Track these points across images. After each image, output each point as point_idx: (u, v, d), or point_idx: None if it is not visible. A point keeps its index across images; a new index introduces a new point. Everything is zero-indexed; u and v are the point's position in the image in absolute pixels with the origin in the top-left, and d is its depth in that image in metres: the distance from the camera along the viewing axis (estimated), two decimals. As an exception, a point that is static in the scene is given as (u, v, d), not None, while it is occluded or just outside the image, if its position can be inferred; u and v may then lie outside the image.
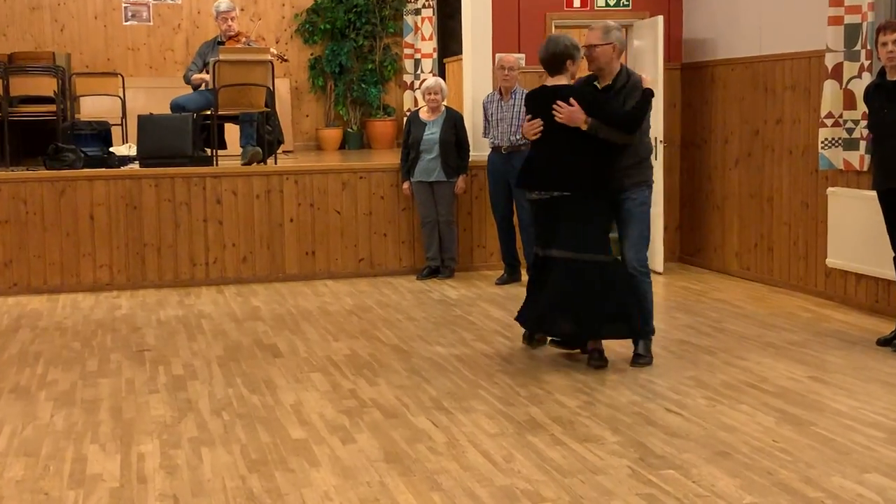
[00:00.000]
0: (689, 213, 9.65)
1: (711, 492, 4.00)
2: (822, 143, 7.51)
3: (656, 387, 5.49)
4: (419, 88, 11.68)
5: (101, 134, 10.16)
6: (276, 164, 9.53)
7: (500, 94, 8.52)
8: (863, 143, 7.23)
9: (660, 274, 9.03)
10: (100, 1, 13.18)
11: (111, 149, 9.93)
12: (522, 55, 9.04)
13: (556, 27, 9.39)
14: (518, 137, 8.25)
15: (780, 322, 7.09)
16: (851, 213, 7.37)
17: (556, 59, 5.82)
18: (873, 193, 6.46)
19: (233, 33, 9.84)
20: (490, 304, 7.86)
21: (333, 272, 9.12)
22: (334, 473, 4.26)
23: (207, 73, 9.48)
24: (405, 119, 9.86)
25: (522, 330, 6.40)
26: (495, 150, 8.58)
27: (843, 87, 7.31)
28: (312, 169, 9.23)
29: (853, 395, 5.30)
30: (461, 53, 9.91)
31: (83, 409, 5.26)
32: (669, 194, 9.48)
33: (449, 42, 13.17)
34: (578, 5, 9.47)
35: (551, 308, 5.88)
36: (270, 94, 9.49)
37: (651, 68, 9.05)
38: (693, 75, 9.52)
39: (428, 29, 13.18)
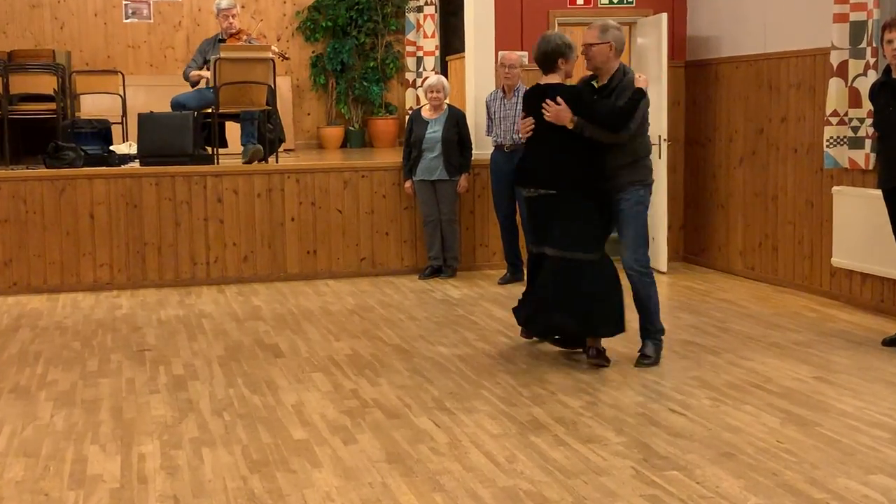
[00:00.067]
0: (693, 213, 9.65)
1: (716, 493, 4.00)
2: (828, 141, 7.51)
3: (660, 387, 5.49)
4: (421, 86, 11.68)
5: (101, 132, 10.18)
6: (277, 162, 9.53)
7: (504, 92, 8.52)
8: (868, 142, 7.23)
9: (664, 273, 9.03)
10: (100, -2, 13.20)
11: (111, 147, 9.94)
12: (525, 53, 9.03)
13: (560, 24, 9.39)
14: (521, 136, 8.24)
15: (785, 322, 7.09)
16: (857, 212, 7.37)
17: (547, 57, 5.88)
18: (879, 192, 6.45)
19: (234, 31, 9.84)
20: (493, 303, 7.85)
21: (335, 271, 9.12)
22: (336, 474, 4.26)
23: (207, 70, 9.48)
24: (407, 117, 9.86)
25: (524, 329, 6.50)
26: (498, 148, 8.59)
27: (849, 84, 7.31)
28: (314, 167, 9.23)
29: (858, 395, 5.30)
30: (464, 51, 9.91)
31: (83, 409, 5.26)
32: (673, 193, 9.47)
33: (451, 39, 13.16)
34: (582, 2, 9.46)
35: (537, 306, 6.01)
36: (272, 93, 9.49)
37: (655, 66, 9.06)
38: (697, 73, 9.52)
39: (430, 26, 13.18)
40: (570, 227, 5.80)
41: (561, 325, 5.96)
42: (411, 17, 13.46)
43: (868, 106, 7.00)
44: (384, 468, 4.32)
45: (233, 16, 9.78)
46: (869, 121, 7.16)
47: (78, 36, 13.13)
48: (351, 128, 13.82)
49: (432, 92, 8.83)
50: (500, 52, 8.84)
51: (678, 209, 9.67)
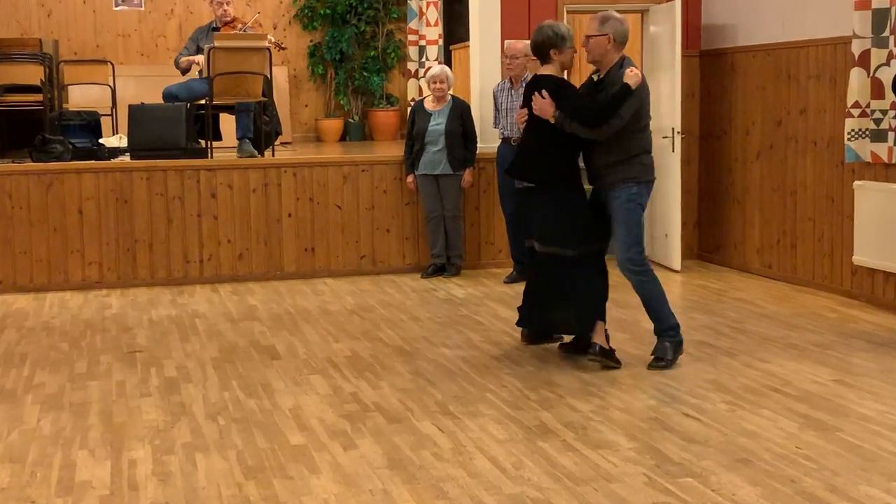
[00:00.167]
0: (708, 208, 9.64)
1: (732, 501, 4.00)
2: (849, 134, 7.50)
3: (673, 390, 5.49)
4: (424, 77, 11.67)
5: (90, 124, 10.17)
6: (273, 156, 9.53)
7: (511, 82, 8.52)
8: (891, 135, 7.22)
9: (677, 272, 9.03)
10: (89, -15, 13.22)
11: (101, 140, 9.95)
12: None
13: (568, 12, 9.39)
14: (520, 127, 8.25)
15: (804, 323, 7.08)
16: (879, 207, 7.36)
17: (539, 48, 6.00)
18: (902, 187, 6.45)
19: (228, 19, 9.84)
20: (498, 303, 7.86)
21: (334, 270, 9.12)
22: (335, 481, 4.26)
23: (198, 61, 9.48)
24: (409, 109, 9.85)
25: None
26: (505, 141, 8.58)
27: (871, 75, 7.30)
28: (312, 161, 9.24)
29: (880, 399, 5.29)
30: (468, 40, 9.90)
31: (72, 413, 5.27)
32: (687, 188, 9.47)
33: (455, 28, 13.16)
34: (591, -11, 9.46)
35: (526, 302, 6.23)
36: (268, 83, 9.49)
37: (668, 55, 9.05)
38: (712, 63, 9.51)
39: (433, 14, 13.16)
40: (549, 222, 5.97)
41: (544, 321, 6.17)
42: (413, 4, 13.45)
43: (891, 97, 6.99)
44: (385, 475, 4.32)
45: (227, 3, 9.79)
46: (892, 113, 7.15)
47: (66, 24, 13.14)
48: (350, 120, 13.82)
49: (435, 83, 8.83)
50: (506, 42, 8.84)
51: (692, 205, 9.67)
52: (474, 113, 9.05)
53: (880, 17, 7.21)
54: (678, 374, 5.80)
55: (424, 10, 13.23)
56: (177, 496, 4.13)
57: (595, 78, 6.02)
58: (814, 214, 8.23)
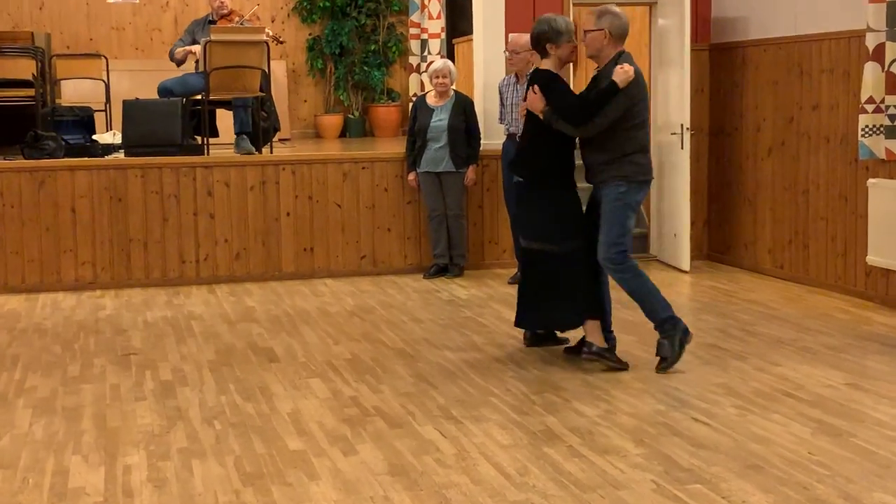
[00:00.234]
0: (718, 207, 9.64)
1: (742, 508, 4.01)
2: (863, 130, 7.49)
3: (682, 394, 5.49)
4: (426, 71, 11.67)
5: (83, 120, 10.19)
6: (271, 153, 9.54)
7: (517, 77, 8.51)
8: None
9: (686, 273, 9.03)
10: (82, -23, 13.23)
11: (94, 136, 9.97)
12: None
13: (574, 4, 9.39)
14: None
15: (817, 325, 7.08)
16: (894, 206, 7.35)
17: (536, 42, 6.08)
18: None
19: (225, 11, 9.85)
20: (502, 304, 7.85)
21: (333, 270, 9.13)
22: (335, 487, 4.27)
23: (194, 51, 9.48)
24: (411, 105, 9.85)
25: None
26: (510, 137, 8.57)
27: (886, 69, 7.29)
28: (311, 158, 9.24)
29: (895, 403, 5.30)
30: (471, 33, 9.90)
31: (64, 417, 5.27)
32: (697, 186, 9.47)
33: (458, 21, 13.16)
34: (598, -19, 9.45)
35: (517, 300, 6.30)
36: (266, 78, 9.50)
37: (676, 49, 9.05)
38: (722, 57, 9.51)
39: (436, 7, 13.17)
40: (535, 217, 6.09)
41: (534, 320, 6.26)
42: (415, -4, 13.47)
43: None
44: (386, 481, 4.32)
45: (224, -5, 9.81)
46: (907, 108, 7.15)
47: (58, 17, 13.15)
48: (350, 116, 13.83)
49: (438, 77, 8.83)
50: (510, 35, 8.84)
51: (702, 203, 9.67)
52: (478, 108, 9.06)
53: (895, 11, 7.20)
54: (687, 378, 5.81)
55: (426, 2, 13.23)
56: (172, 503, 4.14)
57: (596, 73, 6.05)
58: (827, 213, 8.23)
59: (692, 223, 9.28)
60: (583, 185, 6.13)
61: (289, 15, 13.77)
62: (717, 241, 9.68)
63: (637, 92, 5.86)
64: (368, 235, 9.18)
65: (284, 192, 9.00)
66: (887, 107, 7.33)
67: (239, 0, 12.59)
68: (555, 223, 6.03)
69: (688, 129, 9.01)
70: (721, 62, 9.52)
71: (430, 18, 13.24)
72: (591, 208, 6.07)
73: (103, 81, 10.97)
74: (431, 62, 10.83)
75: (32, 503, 4.17)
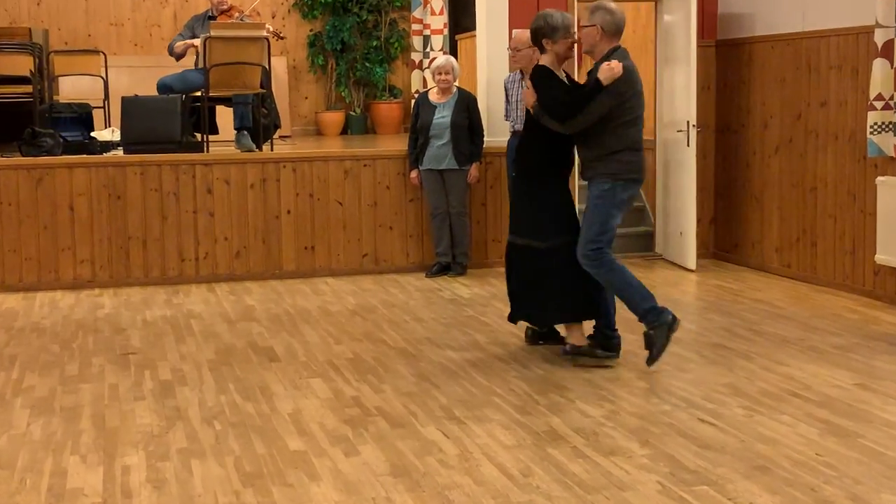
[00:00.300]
0: (725, 205, 9.63)
1: (749, 510, 4.01)
2: (871, 127, 7.48)
3: (688, 395, 5.49)
4: (428, 68, 11.68)
5: (81, 117, 10.19)
6: (272, 150, 9.54)
7: (522, 74, 8.51)
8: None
9: (692, 271, 9.03)
10: (80, -28, 13.23)
11: (93, 133, 9.96)
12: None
13: (579, 0, 9.37)
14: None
15: (825, 324, 7.08)
16: (903, 204, 7.35)
17: (533, 37, 6.16)
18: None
19: (225, 7, 9.85)
20: (505, 303, 7.79)
21: (335, 269, 9.13)
22: (336, 488, 4.27)
23: (195, 44, 9.48)
24: (413, 101, 9.86)
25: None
26: (515, 134, 8.57)
27: (895, 66, 7.28)
28: (312, 156, 9.24)
29: (905, 404, 5.30)
30: (474, 29, 9.90)
31: (63, 417, 5.28)
32: (703, 184, 9.46)
33: (461, 17, 13.16)
34: (603, -24, 9.43)
35: (509, 296, 6.41)
36: (266, 74, 9.50)
37: (683, 46, 9.04)
38: (729, 53, 9.50)
39: (438, 3, 13.17)
40: (523, 213, 6.17)
41: (520, 316, 6.35)
42: (418, -8, 13.47)
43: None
44: (388, 482, 4.32)
45: (224, -9, 9.81)
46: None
47: (56, 13, 13.15)
48: (352, 113, 13.82)
49: (440, 74, 8.83)
50: (513, 31, 8.83)
51: (708, 201, 9.66)
52: (481, 105, 9.06)
53: (904, 6, 7.19)
54: (693, 378, 5.81)
55: (429, -2, 13.23)
56: (172, 504, 4.15)
57: None
58: (835, 211, 8.22)
59: (698, 221, 9.27)
60: (584, 184, 6.17)
61: (289, 11, 13.76)
62: (724, 240, 9.68)
63: (626, 89, 5.87)
64: (370, 233, 9.19)
65: (285, 190, 9.00)
66: (896, 104, 7.33)
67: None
68: (540, 219, 6.10)
69: (694, 126, 9.01)
70: (728, 58, 9.52)
71: (433, 14, 13.24)
72: None
73: (102, 78, 10.97)
74: (434, 58, 10.83)
75: (30, 504, 4.18)
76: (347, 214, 9.13)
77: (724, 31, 9.58)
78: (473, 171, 8.92)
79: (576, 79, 6.84)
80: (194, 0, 13.24)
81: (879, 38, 7.33)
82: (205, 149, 9.23)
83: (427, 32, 13.34)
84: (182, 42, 9.73)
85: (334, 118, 13.71)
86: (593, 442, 4.77)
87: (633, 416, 5.14)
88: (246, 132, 9.52)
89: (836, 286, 8.19)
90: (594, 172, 5.98)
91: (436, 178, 8.89)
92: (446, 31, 13.21)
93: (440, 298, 8.14)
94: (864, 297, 7.83)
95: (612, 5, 5.95)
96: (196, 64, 9.67)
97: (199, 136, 9.46)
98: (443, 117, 8.79)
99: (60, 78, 11.39)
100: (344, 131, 13.76)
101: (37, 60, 10.27)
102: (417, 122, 8.93)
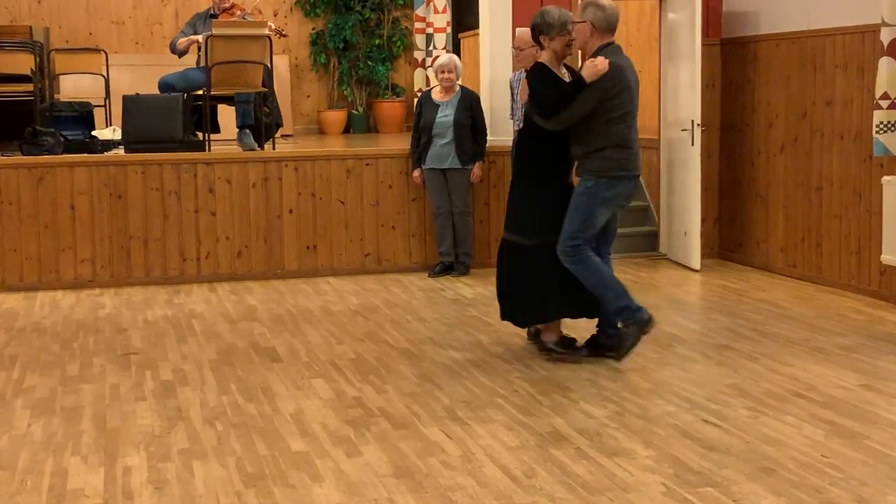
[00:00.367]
0: (729, 204, 9.63)
1: (754, 512, 4.01)
2: (877, 127, 7.47)
3: (693, 396, 5.49)
4: (431, 66, 11.68)
5: (82, 116, 10.20)
6: (274, 149, 9.54)
7: (526, 73, 8.51)
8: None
9: (696, 271, 9.02)
10: (81, -30, 13.24)
11: (94, 132, 9.97)
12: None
13: (583, -1, 9.37)
14: None
15: (830, 325, 7.07)
16: (909, 204, 7.34)
17: (532, 34, 6.21)
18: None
19: (227, 5, 9.86)
20: (509, 303, 7.85)
21: (337, 268, 9.13)
22: (338, 489, 4.27)
23: (199, 40, 9.48)
24: (416, 100, 9.86)
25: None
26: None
27: (901, 65, 7.27)
28: (314, 155, 9.24)
29: (910, 405, 5.29)
30: (478, 28, 9.90)
31: (63, 417, 5.28)
32: (707, 183, 9.46)
33: (464, 15, 13.15)
34: (607, -26, 9.43)
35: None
36: (268, 73, 9.50)
37: (687, 44, 9.04)
38: (734, 52, 9.49)
39: (441, 1, 13.17)
40: (517, 210, 6.25)
41: (505, 314, 6.38)
42: (420, -10, 13.46)
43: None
44: (391, 483, 4.32)
45: (226, -11, 9.82)
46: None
47: (57, 11, 13.17)
48: (354, 111, 13.83)
49: (443, 72, 8.83)
50: (516, 30, 8.83)
51: (713, 201, 9.66)
52: (484, 104, 9.05)
53: (911, 4, 7.18)
54: (697, 379, 5.80)
55: (432, -4, 13.23)
56: (173, 505, 4.15)
57: None
58: (840, 211, 8.22)
59: (703, 221, 9.26)
60: None
61: (291, 9, 13.77)
62: (728, 239, 9.67)
63: (612, 86, 5.88)
64: (372, 233, 9.19)
65: (287, 189, 9.00)
66: (902, 102, 7.31)
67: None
68: (532, 217, 6.14)
69: (698, 125, 9.00)
70: (732, 57, 9.51)
71: (436, 12, 13.23)
72: None
73: (103, 76, 10.98)
74: (437, 57, 10.82)
75: (31, 505, 4.18)
76: (350, 214, 9.13)
77: (729, 30, 9.57)
78: (476, 170, 8.92)
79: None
80: (196, -2, 13.25)
81: (885, 36, 7.32)
82: (206, 148, 9.24)
83: (430, 31, 13.34)
84: (185, 38, 9.73)
85: (336, 117, 13.71)
86: (597, 443, 4.77)
87: (637, 417, 5.14)
88: (248, 131, 9.53)
89: (841, 286, 8.18)
90: (581, 169, 6.05)
91: (438, 177, 8.89)
92: (449, 30, 13.21)
93: (443, 298, 8.14)
94: (870, 298, 7.83)
95: (604, 2, 5.96)
96: (198, 62, 9.69)
97: (200, 134, 9.46)
98: (446, 116, 8.79)
99: (61, 76, 11.41)
100: (346, 130, 13.77)
101: (38, 59, 10.28)
102: (420, 120, 8.93)
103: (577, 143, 6.02)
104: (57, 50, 11.53)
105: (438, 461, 4.56)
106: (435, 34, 13.27)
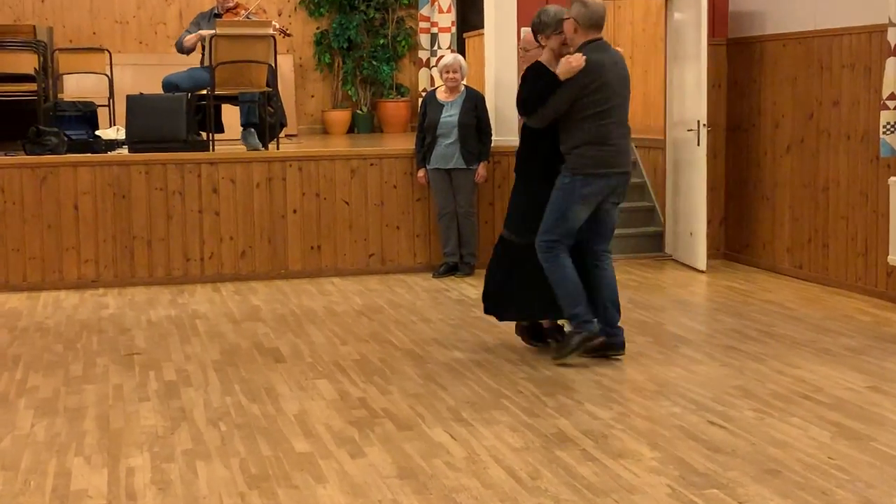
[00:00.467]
0: (736, 205, 9.62)
1: (760, 514, 4.00)
2: (884, 127, 7.46)
3: (699, 397, 5.48)
4: (436, 66, 11.68)
5: (86, 115, 10.21)
6: (278, 149, 9.55)
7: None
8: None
9: (702, 272, 9.02)
10: (85, -31, 13.25)
11: (97, 132, 9.98)
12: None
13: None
14: None
15: (837, 326, 7.07)
16: (916, 205, 7.33)
17: (533, 32, 6.27)
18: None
19: (231, 5, 9.86)
20: (514, 304, 7.85)
21: (341, 269, 9.13)
22: (342, 491, 4.27)
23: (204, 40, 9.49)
24: (420, 100, 9.86)
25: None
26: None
27: (908, 65, 7.26)
28: (318, 155, 9.25)
29: (918, 407, 5.29)
30: (483, 27, 9.90)
31: (67, 418, 5.29)
32: (713, 183, 9.45)
33: (469, 15, 13.16)
34: (613, -26, 9.45)
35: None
36: (272, 73, 9.50)
37: (693, 44, 9.03)
38: (740, 52, 9.49)
39: (446, 0, 13.17)
40: (515, 207, 6.36)
41: (488, 309, 6.46)
42: (425, -11, 13.46)
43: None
44: (395, 484, 4.32)
45: (230, -12, 9.82)
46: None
47: (61, 10, 13.18)
48: (359, 111, 13.83)
49: (448, 72, 8.83)
50: (523, 29, 8.83)
51: (719, 201, 9.65)
52: (489, 104, 9.05)
53: (918, 4, 7.17)
54: (703, 380, 5.80)
55: (437, -5, 13.22)
56: (177, 506, 4.15)
57: None
58: (847, 212, 8.21)
59: (709, 221, 9.26)
60: None
61: (296, 8, 13.78)
62: (735, 240, 9.67)
63: (589, 82, 5.92)
64: (377, 233, 9.19)
65: (291, 189, 9.01)
66: (909, 103, 7.30)
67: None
68: (522, 214, 6.19)
69: (705, 125, 8.99)
70: (739, 57, 9.51)
71: (441, 12, 13.23)
72: None
73: (106, 76, 10.99)
74: (442, 57, 10.83)
75: (34, 505, 4.19)
76: (354, 214, 9.13)
77: (735, 30, 9.56)
78: (481, 170, 8.92)
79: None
80: (200, -3, 13.26)
81: (893, 36, 7.31)
82: (210, 147, 9.24)
83: (435, 30, 13.33)
84: (192, 35, 9.72)
85: (341, 117, 13.72)
86: (602, 444, 4.76)
87: (642, 419, 5.14)
88: (253, 130, 9.53)
89: (847, 288, 8.17)
90: (563, 166, 6.09)
91: (443, 177, 8.89)
92: (454, 29, 13.21)
93: (447, 299, 8.14)
94: (877, 299, 7.82)
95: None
96: (202, 62, 9.69)
97: (204, 134, 9.47)
98: (450, 116, 8.79)
99: (65, 76, 11.42)
100: (350, 130, 13.78)
101: (41, 58, 10.29)
102: (425, 120, 8.93)
103: (561, 141, 6.09)
104: (60, 49, 11.55)
105: (443, 462, 4.56)
106: (440, 34, 13.26)
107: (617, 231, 9.44)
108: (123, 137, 9.47)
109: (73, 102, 10.37)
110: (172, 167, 8.81)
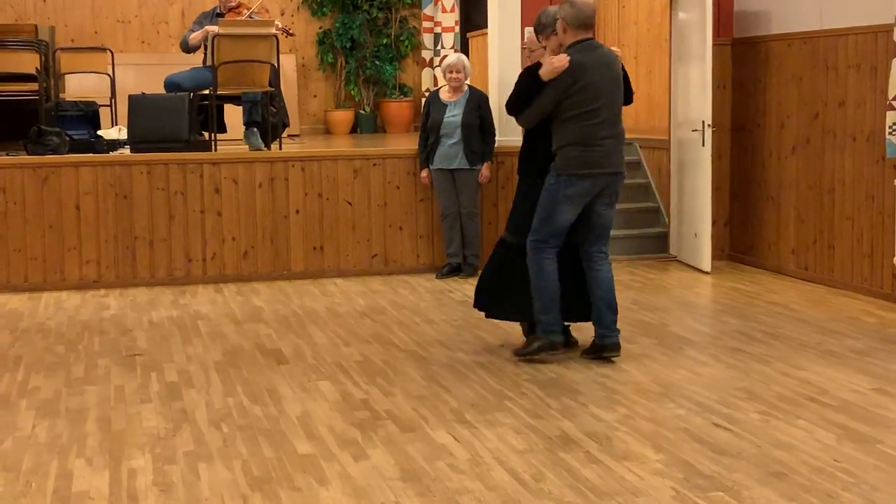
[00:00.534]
0: (741, 206, 9.61)
1: (765, 517, 4.00)
2: (890, 128, 7.47)
3: (704, 399, 5.48)
4: (439, 66, 11.69)
5: (88, 115, 10.22)
6: (280, 149, 9.55)
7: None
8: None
9: (707, 273, 9.01)
10: (87, -32, 13.27)
11: (99, 132, 9.99)
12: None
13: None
14: None
15: (842, 328, 7.06)
16: (922, 206, 7.32)
17: (535, 33, 6.32)
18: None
19: (233, 4, 9.87)
20: (517, 305, 7.84)
21: (344, 269, 9.13)
22: (345, 493, 4.27)
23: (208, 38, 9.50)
24: (424, 100, 9.86)
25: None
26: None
27: (914, 65, 7.26)
28: (321, 155, 9.25)
29: (924, 409, 5.28)
30: (486, 27, 9.90)
31: (68, 419, 5.29)
32: (718, 184, 9.45)
33: (473, 14, 13.17)
34: (617, -27, 9.45)
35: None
36: (275, 72, 9.51)
37: (698, 44, 9.03)
38: (745, 52, 9.48)
39: (449, 0, 13.18)
40: (516, 208, 6.37)
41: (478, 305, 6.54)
42: (428, -11, 13.47)
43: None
44: (398, 486, 4.32)
45: (232, -12, 9.83)
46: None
47: (62, 9, 13.20)
48: (362, 111, 13.84)
49: (452, 72, 8.83)
50: (527, 29, 8.82)
51: (724, 202, 9.65)
52: (493, 104, 9.05)
53: (924, 4, 7.17)
54: (708, 382, 5.79)
55: (440, -5, 13.24)
56: (178, 508, 4.15)
57: None
58: (853, 213, 8.20)
59: (713, 222, 9.25)
60: None
61: (298, 8, 13.79)
62: (740, 241, 9.66)
63: (572, 83, 5.93)
64: (380, 234, 9.19)
65: (294, 190, 9.01)
66: (916, 103, 7.30)
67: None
68: (524, 216, 6.19)
69: (709, 125, 8.99)
70: (743, 57, 9.50)
71: (444, 11, 13.25)
72: None
73: (108, 76, 11.00)
74: (445, 56, 10.83)
75: (35, 507, 4.19)
76: (357, 214, 9.13)
77: (740, 30, 9.56)
78: (485, 170, 8.92)
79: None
80: (202, -3, 13.27)
81: (899, 36, 7.31)
82: (212, 147, 9.25)
83: (438, 30, 13.35)
84: (197, 32, 9.72)
85: (344, 117, 13.73)
86: (606, 447, 4.76)
87: (646, 421, 5.13)
88: (255, 130, 9.54)
89: (853, 289, 8.16)
90: (551, 165, 6.12)
91: (446, 177, 8.89)
92: (457, 29, 13.23)
93: (451, 300, 8.13)
94: (883, 301, 7.81)
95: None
96: (204, 61, 9.70)
97: (206, 134, 9.47)
98: (454, 116, 8.79)
99: (67, 75, 11.43)
100: (353, 130, 13.78)
101: (43, 58, 10.31)
102: (428, 120, 8.93)
103: (552, 141, 6.11)
104: (62, 49, 11.56)
105: (446, 464, 4.56)
106: (443, 33, 13.28)
107: (621, 232, 9.55)
108: (125, 137, 9.48)
109: (75, 102, 10.38)
110: (174, 167, 8.82)
